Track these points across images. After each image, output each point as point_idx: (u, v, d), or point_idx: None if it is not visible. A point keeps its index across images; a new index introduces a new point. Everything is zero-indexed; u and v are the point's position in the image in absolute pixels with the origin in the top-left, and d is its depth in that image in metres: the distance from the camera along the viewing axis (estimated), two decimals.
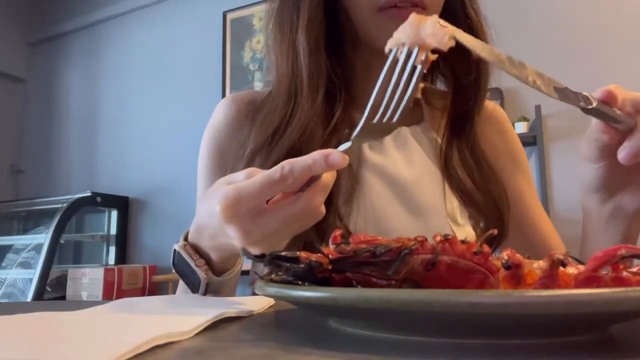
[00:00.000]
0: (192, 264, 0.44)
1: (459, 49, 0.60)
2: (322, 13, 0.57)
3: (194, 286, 0.46)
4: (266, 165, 0.52)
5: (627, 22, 2.01)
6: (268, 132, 0.56)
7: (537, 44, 2.10)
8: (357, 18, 0.57)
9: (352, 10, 0.57)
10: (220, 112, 0.66)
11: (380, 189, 0.59)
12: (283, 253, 0.29)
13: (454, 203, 0.61)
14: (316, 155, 0.34)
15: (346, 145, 0.36)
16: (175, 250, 0.46)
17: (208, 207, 0.39)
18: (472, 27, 0.60)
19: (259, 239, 0.36)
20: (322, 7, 0.57)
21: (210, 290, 0.46)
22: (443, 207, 0.60)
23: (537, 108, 2.00)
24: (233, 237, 0.37)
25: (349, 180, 0.57)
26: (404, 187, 0.59)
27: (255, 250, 0.37)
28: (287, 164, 0.34)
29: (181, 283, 0.56)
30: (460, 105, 0.62)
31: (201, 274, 0.44)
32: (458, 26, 0.59)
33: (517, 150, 0.71)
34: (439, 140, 0.64)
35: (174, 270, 0.48)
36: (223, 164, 0.62)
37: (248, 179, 0.36)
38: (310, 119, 0.56)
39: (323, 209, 0.37)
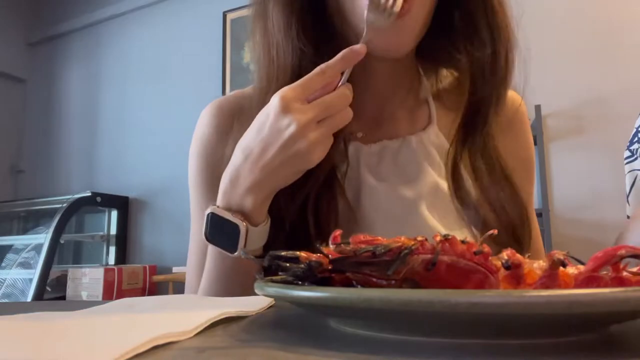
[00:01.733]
0: (231, 217, 0.47)
1: (467, 29, 0.54)
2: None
3: (232, 245, 0.47)
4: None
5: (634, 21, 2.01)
6: None
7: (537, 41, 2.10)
8: (348, 17, 0.53)
9: (342, 9, 0.53)
10: (204, 123, 0.62)
11: (381, 223, 0.54)
12: (283, 253, 0.29)
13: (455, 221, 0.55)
14: (344, 50, 0.46)
15: (365, 38, 0.48)
16: (208, 216, 0.48)
17: (259, 119, 0.46)
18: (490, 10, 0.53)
19: (310, 123, 0.44)
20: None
21: (250, 242, 0.47)
22: (451, 227, 0.55)
23: (537, 108, 2.00)
24: (289, 124, 0.43)
25: (346, 215, 0.54)
26: (404, 210, 0.55)
27: (307, 150, 0.44)
28: (323, 64, 0.45)
29: (209, 262, 0.53)
30: (477, 94, 0.55)
31: (241, 223, 0.47)
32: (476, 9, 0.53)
33: (530, 158, 0.65)
34: (447, 145, 0.58)
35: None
36: (217, 175, 0.56)
37: None
38: None
39: (350, 112, 0.47)
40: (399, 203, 0.55)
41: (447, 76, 0.63)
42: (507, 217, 0.53)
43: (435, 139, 0.59)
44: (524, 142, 0.64)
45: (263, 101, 0.50)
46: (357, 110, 0.54)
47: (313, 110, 0.44)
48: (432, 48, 0.58)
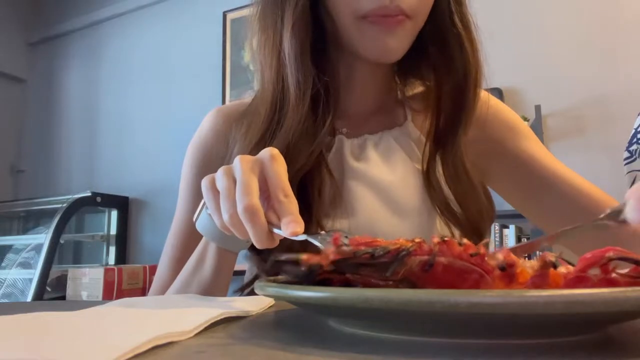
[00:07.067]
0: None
1: (441, 48, 0.59)
2: (307, 16, 0.55)
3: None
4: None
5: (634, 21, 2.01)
6: (252, 142, 0.55)
7: (537, 41, 2.11)
8: (339, 23, 0.55)
9: (334, 15, 0.55)
10: (206, 125, 0.66)
11: (364, 195, 0.58)
12: (284, 257, 0.29)
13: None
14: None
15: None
16: (203, 203, 0.49)
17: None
18: (459, 36, 0.58)
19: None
20: (308, 9, 0.55)
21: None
22: (430, 206, 0.59)
23: (537, 108, 2.00)
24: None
25: (332, 191, 0.57)
26: (387, 190, 0.59)
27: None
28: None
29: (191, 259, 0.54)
30: (442, 109, 0.60)
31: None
32: (446, 35, 0.58)
33: (511, 118, 0.66)
34: (423, 139, 0.62)
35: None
36: (204, 171, 0.57)
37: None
38: (298, 129, 0.54)
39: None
40: (379, 180, 0.60)
41: (416, 84, 0.68)
42: (469, 210, 0.59)
43: (412, 134, 0.64)
44: (505, 120, 0.66)
45: (271, 114, 0.56)
46: (342, 109, 0.63)
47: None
48: (406, 57, 0.60)
